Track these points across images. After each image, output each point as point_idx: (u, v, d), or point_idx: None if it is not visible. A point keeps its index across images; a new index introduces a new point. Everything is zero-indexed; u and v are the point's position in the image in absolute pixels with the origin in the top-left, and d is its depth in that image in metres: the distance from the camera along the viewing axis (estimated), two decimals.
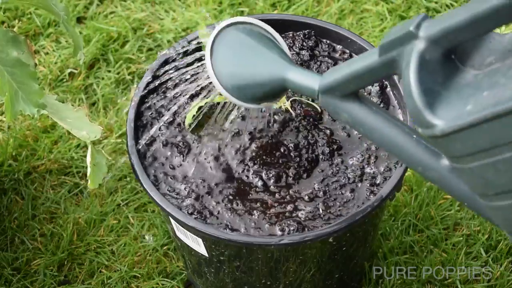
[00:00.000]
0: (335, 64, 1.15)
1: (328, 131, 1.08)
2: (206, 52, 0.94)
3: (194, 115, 1.09)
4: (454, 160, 0.72)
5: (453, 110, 0.69)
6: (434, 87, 0.71)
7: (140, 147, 1.08)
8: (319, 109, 1.10)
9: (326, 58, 1.16)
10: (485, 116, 0.66)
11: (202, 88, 1.01)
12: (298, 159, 1.06)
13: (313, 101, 1.11)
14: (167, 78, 1.08)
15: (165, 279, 1.34)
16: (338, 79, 0.84)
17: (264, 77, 0.92)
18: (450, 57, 0.73)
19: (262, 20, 1.16)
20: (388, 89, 1.12)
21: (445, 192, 0.80)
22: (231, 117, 1.10)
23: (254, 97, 0.94)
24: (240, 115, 1.09)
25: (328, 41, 1.17)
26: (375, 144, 0.85)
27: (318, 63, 1.15)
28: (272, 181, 1.05)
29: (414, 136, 0.82)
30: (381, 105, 1.11)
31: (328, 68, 1.15)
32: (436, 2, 1.66)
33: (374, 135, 0.84)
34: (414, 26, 0.71)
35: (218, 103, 1.12)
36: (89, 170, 1.06)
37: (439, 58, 0.72)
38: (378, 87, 1.12)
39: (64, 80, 1.58)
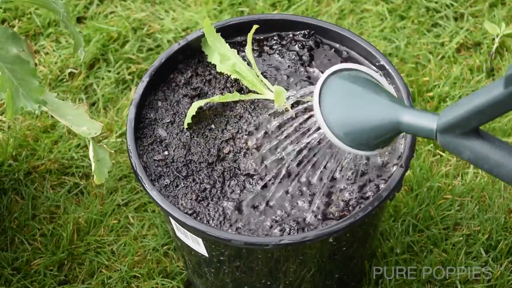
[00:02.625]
0: (335, 64, 1.15)
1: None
2: (315, 103, 0.92)
3: (193, 115, 1.09)
4: None
5: None
6: None
7: (140, 147, 1.08)
8: None
9: (326, 58, 1.16)
10: None
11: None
12: (298, 160, 1.06)
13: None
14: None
15: (165, 279, 1.34)
16: (458, 116, 0.81)
17: (378, 122, 0.90)
18: None
19: (262, 20, 1.17)
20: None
21: None
22: (231, 117, 1.10)
23: (368, 143, 0.92)
24: (239, 116, 1.09)
25: (328, 41, 1.17)
26: (502, 180, 0.85)
27: (318, 63, 1.15)
28: (272, 181, 1.05)
29: None
30: None
31: (327, 66, 1.15)
32: (436, 2, 1.66)
33: (500, 170, 0.82)
34: None
35: (218, 103, 1.12)
36: (93, 166, 1.06)
37: None
38: None
39: (64, 80, 1.58)
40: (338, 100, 0.92)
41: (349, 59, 1.15)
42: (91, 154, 1.06)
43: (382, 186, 1.04)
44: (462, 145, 0.83)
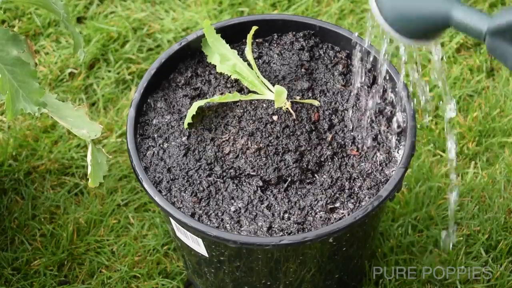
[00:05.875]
0: (335, 65, 1.15)
1: (329, 135, 1.08)
2: None
3: (194, 115, 1.09)
4: None
5: None
6: None
7: (140, 147, 1.08)
8: (319, 103, 1.10)
9: (326, 58, 1.16)
10: None
11: None
12: (298, 160, 1.06)
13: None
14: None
15: (165, 279, 1.34)
16: None
17: (429, 11, 0.88)
18: None
19: (262, 20, 1.17)
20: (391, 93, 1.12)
21: None
22: (231, 118, 1.10)
23: (415, 31, 0.90)
24: (239, 117, 1.10)
25: (328, 41, 1.17)
26: None
27: (318, 63, 1.15)
28: (272, 182, 1.05)
29: None
30: (382, 104, 1.11)
31: (327, 67, 1.15)
32: None
33: None
34: None
35: (218, 103, 1.12)
36: (89, 169, 1.06)
37: None
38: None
39: (64, 80, 1.58)
40: None
41: (348, 59, 1.15)
42: (88, 157, 1.06)
43: (382, 186, 1.04)
44: (510, 52, 0.81)
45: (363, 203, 1.03)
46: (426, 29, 0.90)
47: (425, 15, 0.88)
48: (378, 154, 1.07)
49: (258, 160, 1.06)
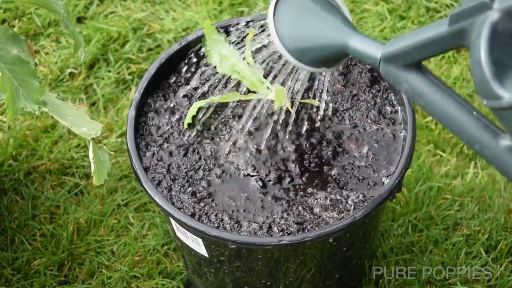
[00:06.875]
0: None
1: (330, 134, 1.08)
2: (269, 13, 0.94)
3: (194, 115, 1.09)
4: None
5: None
6: (503, 59, 0.70)
7: (141, 148, 1.08)
8: (321, 105, 1.10)
9: None
10: None
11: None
12: (298, 160, 1.06)
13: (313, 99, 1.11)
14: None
15: (165, 279, 1.34)
16: (402, 48, 0.83)
17: (327, 41, 0.91)
18: None
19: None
20: (389, 91, 1.12)
21: (500, 172, 0.80)
22: (231, 118, 1.10)
23: (315, 60, 0.93)
24: (239, 116, 1.10)
25: None
26: (434, 118, 0.85)
27: None
28: (272, 182, 1.05)
29: (474, 113, 0.80)
30: (381, 104, 1.11)
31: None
32: (436, 2, 1.66)
33: (434, 109, 0.83)
34: None
35: (218, 103, 1.12)
36: (93, 167, 1.06)
37: (511, 31, 0.71)
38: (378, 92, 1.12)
39: (64, 80, 1.58)
40: (293, 14, 0.94)
41: (348, 59, 1.15)
42: (90, 155, 1.06)
43: (382, 186, 1.04)
44: (402, 77, 0.84)
45: (363, 203, 1.02)
46: (324, 58, 0.93)
47: (323, 45, 0.92)
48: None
49: (258, 160, 1.06)
